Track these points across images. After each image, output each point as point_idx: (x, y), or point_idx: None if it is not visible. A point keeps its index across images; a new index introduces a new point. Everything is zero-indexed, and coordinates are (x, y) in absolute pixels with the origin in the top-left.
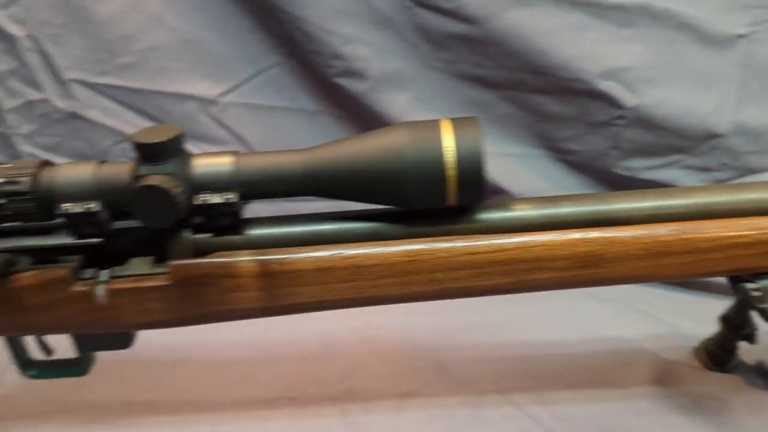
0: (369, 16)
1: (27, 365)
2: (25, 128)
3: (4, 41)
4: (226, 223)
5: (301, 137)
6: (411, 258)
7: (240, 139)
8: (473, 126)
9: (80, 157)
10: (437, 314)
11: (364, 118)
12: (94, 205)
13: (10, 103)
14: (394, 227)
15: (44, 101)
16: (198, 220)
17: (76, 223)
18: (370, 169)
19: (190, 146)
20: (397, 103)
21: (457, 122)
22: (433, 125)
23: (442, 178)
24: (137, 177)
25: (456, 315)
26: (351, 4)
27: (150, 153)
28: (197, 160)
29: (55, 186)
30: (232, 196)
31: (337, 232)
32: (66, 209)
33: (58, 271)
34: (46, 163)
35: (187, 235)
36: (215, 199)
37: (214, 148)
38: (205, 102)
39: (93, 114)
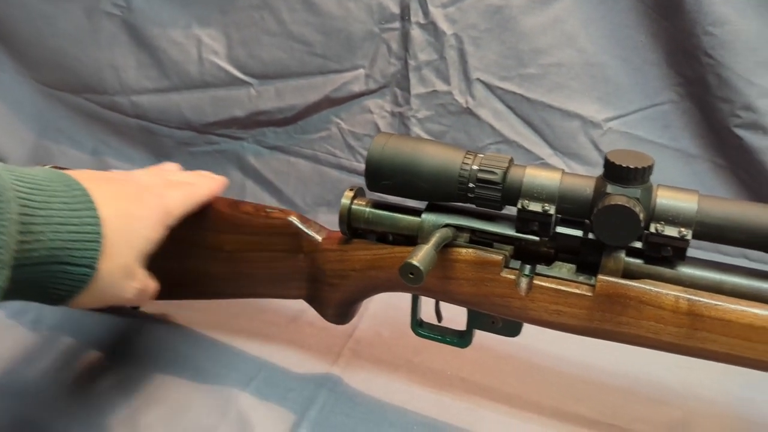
0: None
1: (419, 324)
2: (423, 113)
3: (433, 35)
4: (667, 255)
5: (668, 176)
6: None
7: None
8: None
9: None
10: None
11: (750, 173)
12: (550, 208)
13: (419, 89)
14: None
15: (447, 93)
16: (636, 244)
17: (527, 219)
18: None
19: (558, 160)
20: None
21: None
22: None
23: None
24: (603, 194)
25: None
26: None
27: (621, 175)
28: (663, 192)
29: (524, 183)
30: (687, 233)
31: None
32: (525, 205)
33: (496, 256)
34: (512, 161)
35: (622, 256)
36: (671, 231)
37: (580, 168)
38: (588, 123)
39: (483, 113)
